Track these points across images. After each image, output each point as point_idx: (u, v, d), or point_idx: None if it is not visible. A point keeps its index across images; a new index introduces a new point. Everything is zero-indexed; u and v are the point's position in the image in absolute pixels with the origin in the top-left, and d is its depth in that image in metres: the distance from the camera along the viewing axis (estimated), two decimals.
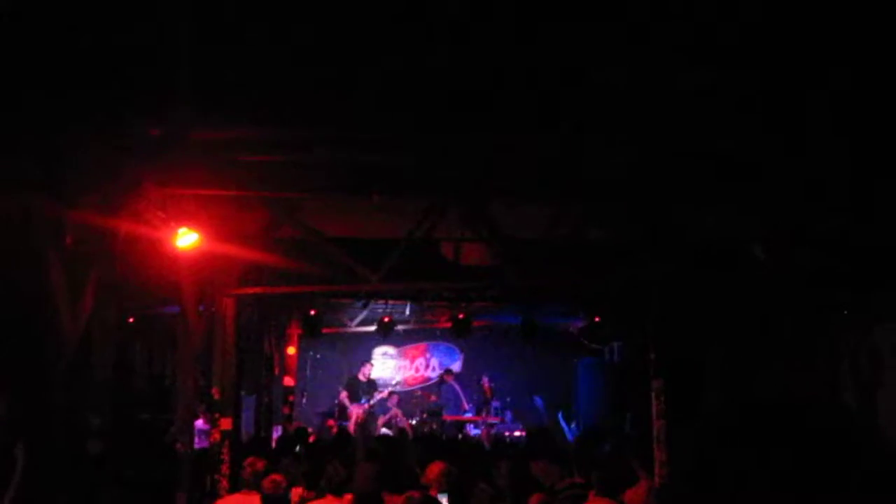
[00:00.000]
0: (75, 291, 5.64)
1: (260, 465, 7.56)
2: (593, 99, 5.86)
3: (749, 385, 10.81)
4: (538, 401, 19.04)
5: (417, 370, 21.12)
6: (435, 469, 7.38)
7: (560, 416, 18.28)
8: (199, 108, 5.96)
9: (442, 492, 6.69)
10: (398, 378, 20.76)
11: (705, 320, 10.86)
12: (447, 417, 18.31)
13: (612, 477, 7.61)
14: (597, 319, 16.57)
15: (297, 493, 6.85)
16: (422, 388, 20.24)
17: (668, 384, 9.75)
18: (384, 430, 17.54)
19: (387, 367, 20.80)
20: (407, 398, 19.37)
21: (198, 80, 5.76)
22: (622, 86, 5.74)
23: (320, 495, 7.37)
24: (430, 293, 14.27)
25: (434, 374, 20.70)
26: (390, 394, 18.49)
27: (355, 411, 17.86)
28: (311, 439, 13.29)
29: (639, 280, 9.87)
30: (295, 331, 17.66)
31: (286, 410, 16.87)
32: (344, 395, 18.15)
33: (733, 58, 5.58)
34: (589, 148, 6.90)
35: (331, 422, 17.51)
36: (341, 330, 18.89)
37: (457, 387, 19.17)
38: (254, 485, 7.28)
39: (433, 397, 19.09)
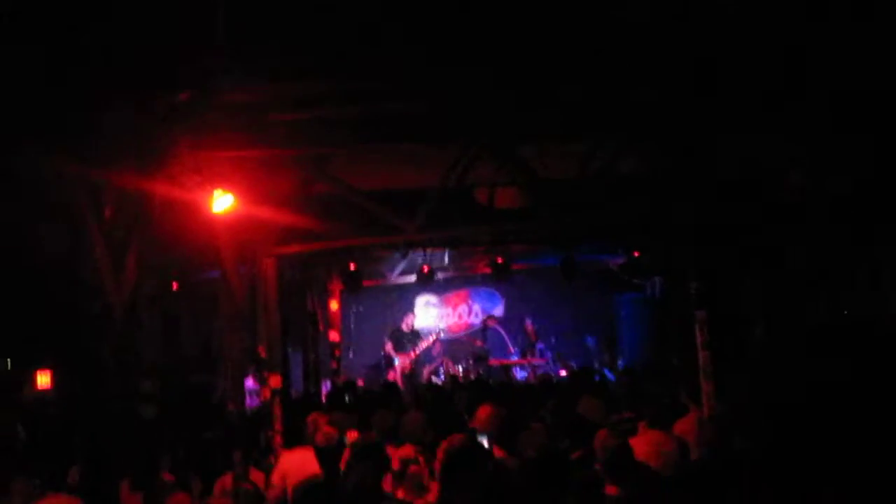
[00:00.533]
0: (118, 261, 5.72)
1: (322, 420, 7.64)
2: (617, 33, 5.78)
3: (794, 312, 10.76)
4: (590, 340, 19.04)
5: (461, 317, 21.18)
6: (483, 413, 7.43)
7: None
8: (228, 70, 5.97)
9: (490, 435, 6.72)
10: (442, 326, 20.83)
11: (745, 249, 10.78)
12: (493, 362, 18.37)
13: (661, 409, 7.63)
14: (636, 254, 16.50)
15: (352, 436, 6.92)
16: (466, 335, 20.31)
17: (711, 315, 9.71)
18: (432, 378, 17.66)
19: (430, 315, 20.87)
20: (452, 345, 19.46)
21: (227, 39, 5.77)
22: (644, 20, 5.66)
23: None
24: (467, 239, 14.29)
25: (477, 319, 20.75)
26: (434, 341, 18.57)
27: (401, 361, 18.00)
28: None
29: (675, 213, 9.80)
30: (336, 286, 17.78)
31: (333, 365, 17.05)
32: (389, 346, 18.29)
33: None
34: (615, 84, 6.82)
35: (391, 375, 17.58)
36: (382, 282, 18.97)
37: (501, 331, 19.19)
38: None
39: (479, 342, 19.13)
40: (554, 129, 8.04)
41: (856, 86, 6.88)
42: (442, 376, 17.91)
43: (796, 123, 7.55)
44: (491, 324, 19.35)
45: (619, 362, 17.91)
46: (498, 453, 6.39)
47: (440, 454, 4.53)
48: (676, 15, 5.69)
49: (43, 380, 14.17)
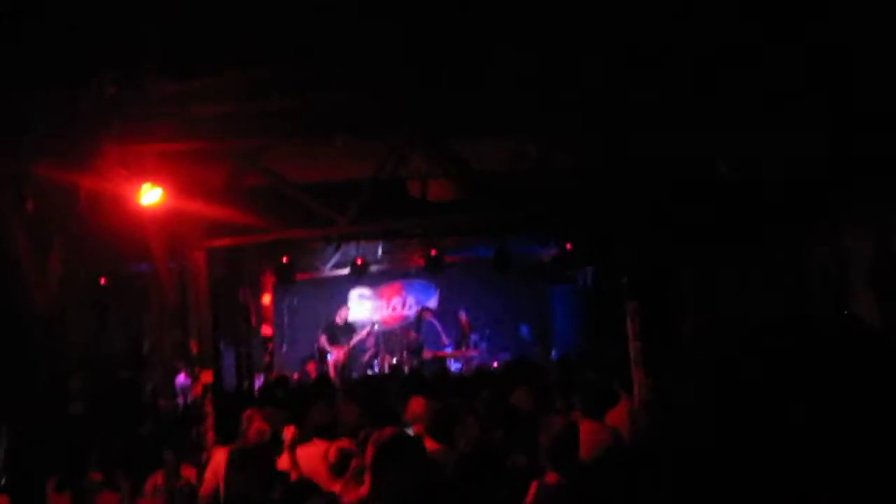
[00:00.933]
0: (42, 255, 5.60)
1: (257, 416, 7.57)
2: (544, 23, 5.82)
3: (725, 302, 10.96)
4: (525, 329, 19.19)
5: (395, 309, 21.19)
6: (415, 406, 7.45)
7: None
8: (155, 61, 5.89)
9: (426, 428, 6.74)
10: (376, 318, 20.83)
11: (675, 241, 10.95)
12: (427, 354, 18.42)
13: (594, 399, 7.72)
14: (568, 247, 16.68)
15: (290, 430, 6.87)
16: (401, 327, 20.33)
17: (642, 306, 9.86)
18: (367, 371, 17.65)
19: (364, 308, 20.85)
20: (387, 337, 19.47)
21: (154, 30, 5.69)
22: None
23: (307, 439, 7.41)
24: (400, 231, 14.30)
25: (411, 312, 20.78)
26: (368, 334, 18.56)
27: (335, 354, 17.95)
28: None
29: (606, 206, 9.93)
30: (269, 279, 17.64)
31: (267, 359, 16.93)
32: (324, 339, 18.22)
33: None
34: (545, 75, 6.87)
35: (311, 365, 17.58)
36: (315, 275, 18.88)
37: (436, 323, 19.25)
38: None
39: (412, 334, 19.17)
40: (485, 122, 8.06)
41: (777, 85, 7.02)
42: (376, 368, 17.91)
43: (719, 116, 7.68)
44: (426, 316, 19.39)
45: (553, 353, 18.08)
46: (431, 446, 6.40)
47: (370, 447, 4.52)
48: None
49: None
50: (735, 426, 1.30)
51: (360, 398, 9.47)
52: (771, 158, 8.49)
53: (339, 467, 6.01)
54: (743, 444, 1.26)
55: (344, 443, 6.54)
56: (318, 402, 8.79)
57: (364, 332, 18.55)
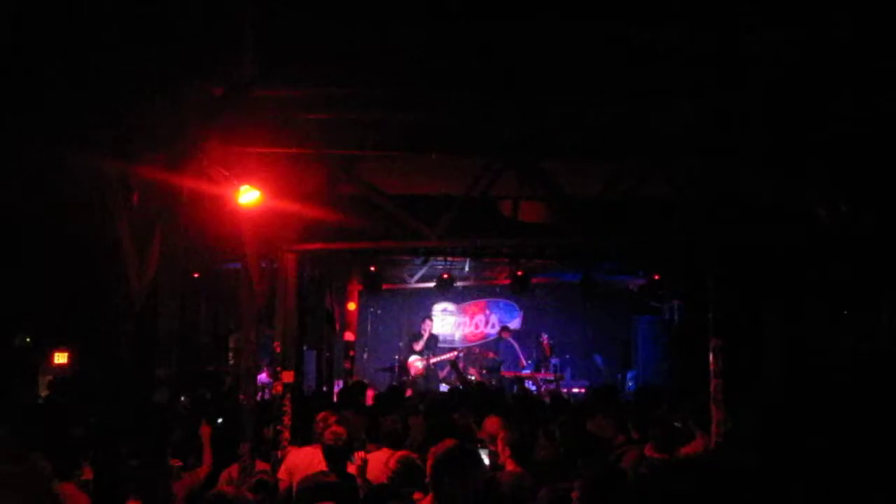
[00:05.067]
0: (142, 247, 5.83)
1: (332, 419, 7.73)
2: (647, 59, 5.86)
3: (814, 347, 10.76)
4: (598, 359, 19.11)
5: (477, 326, 21.28)
6: (491, 424, 7.51)
7: (630, 375, 18.36)
8: (260, 68, 6.10)
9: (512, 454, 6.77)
10: (458, 334, 20.94)
11: (766, 280, 10.80)
12: (505, 373, 18.45)
13: (668, 433, 7.69)
14: (656, 277, 16.55)
15: (359, 456, 7.00)
16: (480, 346, 20.39)
17: (727, 343, 9.74)
18: (443, 387, 17.75)
19: (446, 323, 20.99)
20: (465, 355, 19.56)
21: (259, 38, 5.90)
22: (676, 44, 5.73)
23: (378, 448, 7.57)
24: (488, 250, 14.38)
25: (493, 330, 20.84)
26: (456, 356, 18.66)
27: (414, 366, 18.11)
28: (370, 393, 13.55)
29: (698, 239, 9.85)
30: (355, 287, 17.92)
31: (347, 365, 17.17)
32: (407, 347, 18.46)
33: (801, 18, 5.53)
34: (643, 108, 6.91)
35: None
36: (401, 286, 19.11)
37: (515, 343, 19.27)
38: None
39: (491, 354, 19.23)
40: (578, 148, 8.12)
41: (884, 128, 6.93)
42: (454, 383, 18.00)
43: (823, 161, 7.60)
44: (505, 335, 19.44)
45: (630, 384, 17.94)
46: (513, 468, 6.47)
47: (429, 458, 4.60)
48: (705, 41, 5.76)
49: (60, 359, 14.45)
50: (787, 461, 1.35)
51: (433, 413, 9.57)
52: (870, 206, 8.35)
53: (398, 475, 6.12)
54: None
55: (404, 453, 6.64)
56: (393, 412, 8.93)
57: (452, 355, 18.64)
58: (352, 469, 6.90)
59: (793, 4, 5.47)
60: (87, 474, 6.58)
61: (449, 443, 4.67)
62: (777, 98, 6.68)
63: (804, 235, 9.15)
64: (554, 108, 7.08)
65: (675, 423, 8.35)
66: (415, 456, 6.58)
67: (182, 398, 11.11)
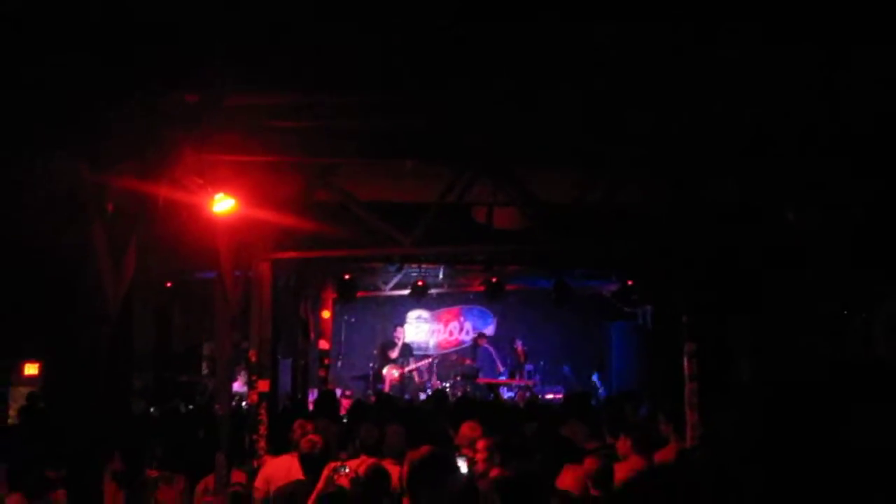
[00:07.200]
0: (117, 255, 5.80)
1: (309, 426, 7.69)
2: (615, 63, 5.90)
3: (783, 352, 10.83)
4: (566, 369, 19.19)
5: (451, 333, 21.30)
6: (467, 430, 7.50)
7: (596, 377, 18.41)
8: (235, 75, 6.08)
9: (488, 458, 6.76)
10: (432, 341, 20.95)
11: (739, 285, 10.88)
12: (481, 380, 18.44)
13: (644, 438, 7.69)
14: (629, 283, 16.63)
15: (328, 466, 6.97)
16: (457, 352, 20.39)
17: (700, 347, 9.81)
18: (421, 395, 17.72)
19: (421, 330, 21.00)
20: (441, 362, 19.55)
21: (233, 45, 5.88)
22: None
23: (354, 456, 7.53)
24: (462, 256, 14.40)
25: (468, 337, 20.86)
26: (430, 363, 18.66)
27: (389, 375, 18.08)
28: (347, 402, 13.49)
29: (670, 244, 9.91)
30: (330, 295, 17.86)
31: (322, 373, 17.11)
32: (381, 355, 18.40)
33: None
34: (615, 110, 6.95)
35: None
36: (375, 293, 19.10)
37: (492, 350, 19.28)
38: None
39: (468, 361, 19.23)
40: (552, 155, 8.15)
41: (860, 131, 7.00)
42: (429, 392, 17.98)
43: (792, 164, 7.67)
44: (481, 342, 19.45)
45: (601, 391, 18.01)
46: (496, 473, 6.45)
47: (406, 465, 4.59)
48: (674, 48, 5.81)
49: (31, 370, 14.29)
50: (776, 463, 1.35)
51: (410, 420, 9.53)
52: (843, 205, 8.42)
53: (363, 486, 6.10)
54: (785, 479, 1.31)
55: (373, 462, 6.61)
56: (369, 420, 8.90)
57: (426, 362, 18.64)
58: (343, 481, 6.85)
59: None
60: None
61: (425, 449, 4.66)
62: (747, 102, 6.74)
63: (773, 238, 9.22)
64: (528, 112, 7.11)
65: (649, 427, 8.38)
66: (390, 464, 6.57)
67: (152, 409, 11.03)
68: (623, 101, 6.78)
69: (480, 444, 6.92)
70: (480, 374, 18.67)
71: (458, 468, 5.36)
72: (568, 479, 6.42)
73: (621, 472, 6.28)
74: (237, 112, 6.90)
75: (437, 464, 4.59)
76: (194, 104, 6.49)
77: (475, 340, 19.85)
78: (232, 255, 9.18)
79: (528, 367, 18.61)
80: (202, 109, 6.53)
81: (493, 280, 16.42)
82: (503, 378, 18.68)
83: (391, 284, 18.54)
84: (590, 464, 6.21)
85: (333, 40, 5.87)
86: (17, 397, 13.51)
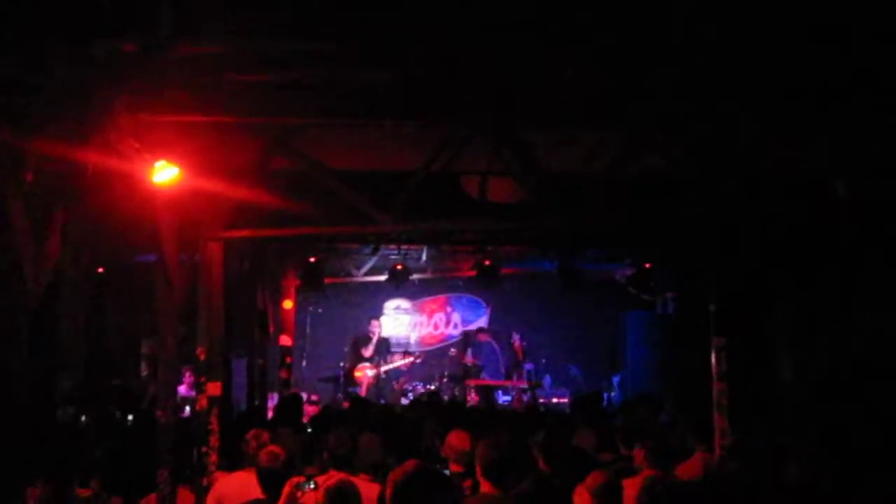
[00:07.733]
0: (38, 234, 5.77)
1: (265, 437, 7.69)
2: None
3: (829, 345, 10.85)
4: (574, 370, 19.18)
5: (436, 327, 21.29)
6: (456, 440, 7.52)
7: (617, 380, 18.42)
8: (179, 20, 6.04)
9: (484, 472, 6.77)
10: (414, 336, 20.94)
11: (775, 268, 10.89)
12: (471, 382, 18.36)
13: (660, 447, 7.72)
14: (647, 266, 16.66)
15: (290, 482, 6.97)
16: (444, 348, 20.33)
17: (731, 342, 9.83)
18: (403, 400, 17.72)
19: (400, 323, 21.00)
20: (434, 358, 19.48)
21: None
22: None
23: (323, 471, 7.50)
24: (450, 235, 14.37)
25: (456, 331, 20.86)
26: (412, 362, 18.61)
27: (365, 377, 18.05)
28: (314, 408, 13.51)
29: (696, 220, 9.92)
30: (292, 282, 17.86)
31: (283, 375, 17.10)
32: (352, 353, 18.38)
33: None
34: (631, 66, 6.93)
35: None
36: (346, 280, 19.08)
37: (496, 346, 19.08)
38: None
39: (468, 359, 19.02)
40: (560, 112, 8.11)
41: None
42: (410, 396, 17.98)
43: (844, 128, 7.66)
44: (482, 338, 19.24)
45: (615, 393, 18.07)
46: (488, 489, 6.48)
47: (388, 484, 4.56)
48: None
49: None
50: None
51: (388, 429, 9.54)
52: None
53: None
54: None
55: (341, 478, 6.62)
56: (340, 428, 8.90)
57: (408, 361, 18.60)
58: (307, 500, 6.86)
59: None
60: None
61: (411, 465, 4.63)
62: (783, 54, 6.74)
63: (819, 210, 9.22)
64: (531, 65, 7.07)
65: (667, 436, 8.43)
66: (363, 480, 6.59)
67: (83, 417, 11.01)
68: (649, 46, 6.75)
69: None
70: (483, 374, 18.56)
71: (450, 486, 5.34)
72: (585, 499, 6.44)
73: (632, 488, 6.30)
74: (182, 64, 6.85)
75: (425, 482, 4.57)
76: (131, 54, 6.44)
77: (472, 335, 19.68)
78: (176, 235, 9.15)
79: (528, 366, 18.59)
80: (141, 61, 6.49)
81: (487, 263, 16.41)
82: (500, 379, 18.64)
83: (365, 269, 18.53)
84: (593, 479, 6.22)
85: None
86: None
